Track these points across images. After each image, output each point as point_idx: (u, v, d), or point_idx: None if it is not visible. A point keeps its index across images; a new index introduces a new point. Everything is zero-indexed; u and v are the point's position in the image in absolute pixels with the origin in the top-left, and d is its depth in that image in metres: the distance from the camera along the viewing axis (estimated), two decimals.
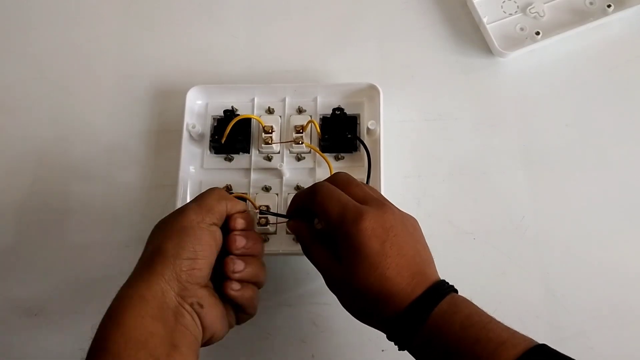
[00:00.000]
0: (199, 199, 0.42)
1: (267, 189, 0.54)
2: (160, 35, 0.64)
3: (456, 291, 0.39)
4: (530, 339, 0.35)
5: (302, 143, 0.54)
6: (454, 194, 0.57)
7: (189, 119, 0.55)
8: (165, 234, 0.39)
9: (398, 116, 0.59)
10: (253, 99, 0.57)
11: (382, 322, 0.38)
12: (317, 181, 0.54)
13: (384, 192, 0.52)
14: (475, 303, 0.39)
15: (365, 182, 0.53)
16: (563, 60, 0.62)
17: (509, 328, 0.36)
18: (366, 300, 0.38)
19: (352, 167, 0.55)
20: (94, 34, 0.64)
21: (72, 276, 0.55)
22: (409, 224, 0.41)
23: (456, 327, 0.35)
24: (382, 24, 0.64)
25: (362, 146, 0.54)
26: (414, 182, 0.57)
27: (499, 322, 0.36)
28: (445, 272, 0.54)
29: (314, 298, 0.54)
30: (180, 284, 0.38)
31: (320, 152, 0.54)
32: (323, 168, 0.55)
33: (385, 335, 0.39)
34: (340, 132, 0.55)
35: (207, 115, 0.57)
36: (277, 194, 0.54)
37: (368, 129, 0.54)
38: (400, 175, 0.57)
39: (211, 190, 0.43)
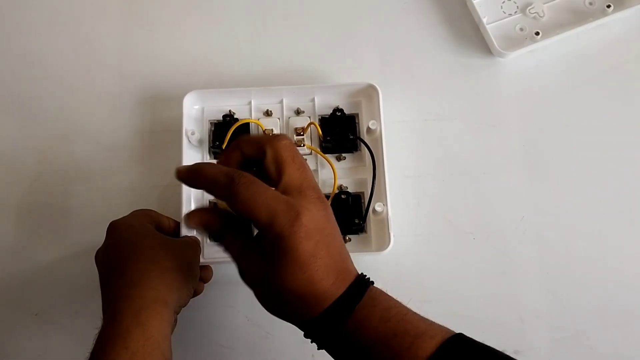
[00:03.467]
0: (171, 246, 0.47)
1: None
2: (159, 36, 0.64)
3: (373, 283, 0.38)
4: (448, 329, 0.35)
5: (303, 145, 0.54)
6: (454, 194, 0.57)
7: (187, 125, 0.55)
8: (164, 280, 0.44)
9: (398, 116, 0.59)
10: (250, 102, 0.57)
11: (301, 321, 0.37)
12: (319, 182, 0.55)
13: (387, 191, 0.52)
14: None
15: (370, 182, 0.53)
16: (562, 60, 0.62)
17: (426, 319, 0.35)
18: (287, 301, 0.36)
19: (355, 167, 0.55)
20: (94, 34, 0.64)
21: (72, 276, 0.55)
22: (332, 218, 0.38)
23: (375, 321, 0.34)
24: (381, 24, 0.64)
25: (363, 146, 0.54)
26: (414, 182, 0.57)
27: (416, 313, 0.36)
28: (445, 272, 0.54)
29: None
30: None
31: (323, 154, 0.54)
32: (326, 169, 0.55)
33: None
34: (342, 133, 0.55)
35: (204, 120, 0.57)
36: None
37: (369, 128, 0.54)
38: (401, 175, 0.57)
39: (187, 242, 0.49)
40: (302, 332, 0.37)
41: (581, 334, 0.53)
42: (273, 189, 0.36)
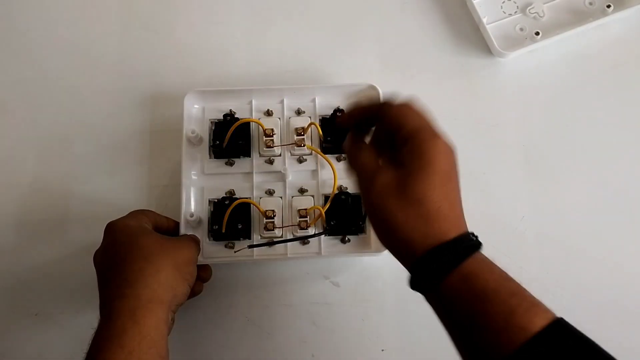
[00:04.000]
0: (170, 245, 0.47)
1: (270, 192, 0.54)
2: (159, 36, 0.64)
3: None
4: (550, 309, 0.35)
5: (304, 146, 0.54)
6: None
7: (188, 125, 0.55)
8: (160, 278, 0.44)
9: None
10: (251, 102, 0.57)
11: (416, 248, 0.34)
12: (319, 182, 0.55)
13: None
14: None
15: None
16: (562, 60, 0.62)
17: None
18: (415, 214, 0.34)
19: None
20: (94, 35, 0.64)
21: (72, 276, 0.55)
22: None
23: (496, 274, 0.34)
24: (382, 25, 0.64)
25: None
26: None
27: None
28: None
29: (314, 298, 0.54)
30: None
31: (323, 154, 0.54)
32: (326, 169, 0.55)
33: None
34: (342, 133, 0.55)
35: (205, 119, 0.57)
36: (280, 197, 0.54)
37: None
38: None
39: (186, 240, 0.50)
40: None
41: None
42: None
